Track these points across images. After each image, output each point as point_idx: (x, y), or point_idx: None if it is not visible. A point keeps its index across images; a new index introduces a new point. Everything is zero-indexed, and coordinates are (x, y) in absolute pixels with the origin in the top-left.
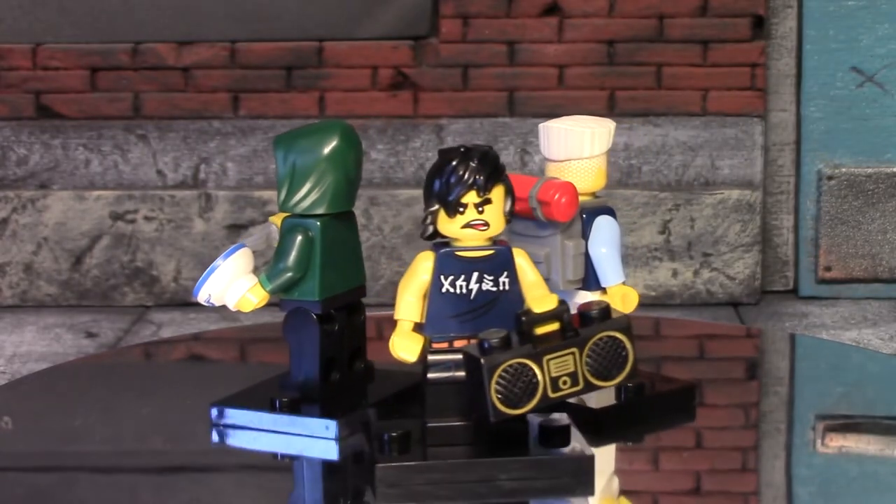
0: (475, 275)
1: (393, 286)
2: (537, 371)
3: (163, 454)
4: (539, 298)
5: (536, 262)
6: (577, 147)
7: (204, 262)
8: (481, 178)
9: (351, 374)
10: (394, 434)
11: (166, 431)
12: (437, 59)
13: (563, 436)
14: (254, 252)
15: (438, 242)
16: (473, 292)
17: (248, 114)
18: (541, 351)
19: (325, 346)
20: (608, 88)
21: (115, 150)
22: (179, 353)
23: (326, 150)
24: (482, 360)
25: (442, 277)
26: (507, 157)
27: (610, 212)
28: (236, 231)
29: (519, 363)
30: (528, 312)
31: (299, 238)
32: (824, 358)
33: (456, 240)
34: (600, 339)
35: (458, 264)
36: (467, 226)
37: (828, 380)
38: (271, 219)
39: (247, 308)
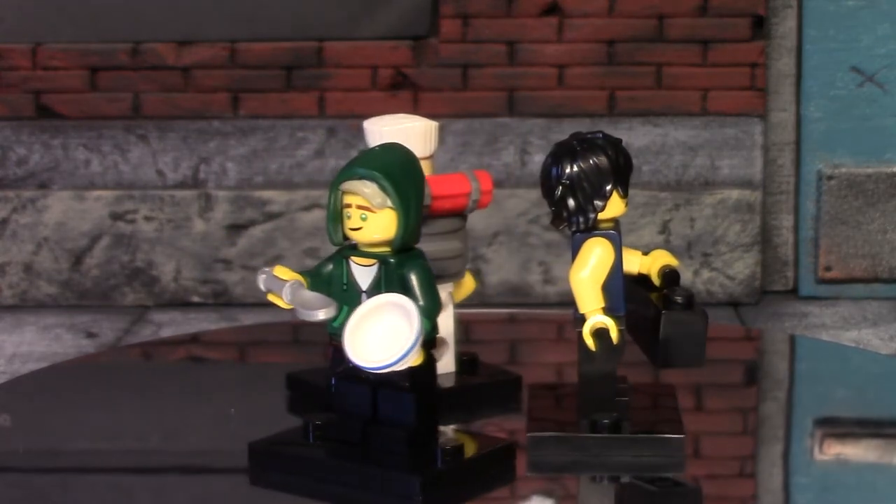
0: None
1: None
2: None
3: (163, 454)
4: (663, 255)
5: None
6: (419, 144)
7: (204, 262)
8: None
9: None
10: (605, 422)
11: (166, 431)
12: (436, 59)
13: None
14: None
15: (583, 229)
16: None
17: (248, 114)
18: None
19: None
20: (608, 88)
21: (115, 150)
22: (179, 354)
23: (423, 176)
24: (706, 313)
25: (621, 258)
26: (506, 157)
27: None
28: (236, 231)
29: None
30: (671, 266)
31: (430, 272)
32: (824, 359)
33: (601, 221)
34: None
35: (620, 242)
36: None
37: (828, 381)
38: (284, 276)
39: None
